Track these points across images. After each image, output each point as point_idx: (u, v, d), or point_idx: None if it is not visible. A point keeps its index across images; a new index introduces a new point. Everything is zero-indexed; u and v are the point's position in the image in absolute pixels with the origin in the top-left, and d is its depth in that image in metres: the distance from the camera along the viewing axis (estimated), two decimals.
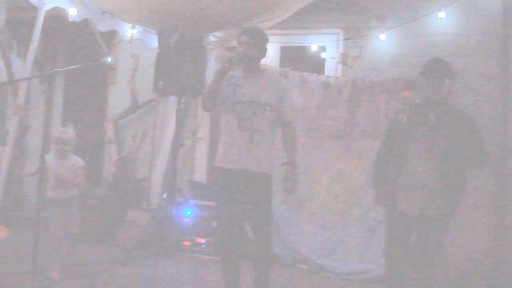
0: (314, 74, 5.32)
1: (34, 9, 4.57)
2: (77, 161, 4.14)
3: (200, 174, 5.79)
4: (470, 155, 3.16)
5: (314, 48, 5.68)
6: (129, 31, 5.16)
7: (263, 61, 3.54)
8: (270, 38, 5.21)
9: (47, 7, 4.49)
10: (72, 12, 4.56)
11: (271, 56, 5.72)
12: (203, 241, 5.05)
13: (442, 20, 4.90)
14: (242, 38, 3.39)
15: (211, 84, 3.37)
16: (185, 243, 5.09)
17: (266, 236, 3.40)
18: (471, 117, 3.28)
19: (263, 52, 3.45)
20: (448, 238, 3.42)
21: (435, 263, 3.21)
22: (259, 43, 3.41)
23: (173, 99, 5.73)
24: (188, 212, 5.09)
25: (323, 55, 5.73)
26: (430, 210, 3.16)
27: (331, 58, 5.63)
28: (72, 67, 4.18)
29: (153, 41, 5.23)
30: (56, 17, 4.75)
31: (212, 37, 5.38)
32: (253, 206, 3.33)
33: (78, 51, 6.66)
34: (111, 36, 6.05)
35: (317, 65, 5.71)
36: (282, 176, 3.38)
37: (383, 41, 5.21)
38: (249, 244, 3.50)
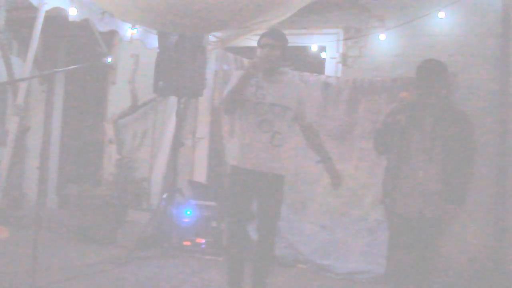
0: (314, 74, 5.32)
1: (34, 9, 4.57)
2: None
3: (200, 174, 5.78)
4: (461, 153, 3.15)
5: (314, 48, 5.68)
6: (129, 31, 5.16)
7: None
8: None
9: (47, 7, 4.50)
10: (72, 12, 4.56)
11: None
12: (203, 241, 5.05)
13: (442, 20, 4.90)
14: (264, 40, 3.38)
15: (235, 88, 3.29)
16: (185, 243, 5.09)
17: (272, 237, 3.45)
18: (467, 116, 3.26)
19: (285, 54, 3.44)
20: (448, 238, 3.42)
21: (434, 264, 3.21)
22: (282, 44, 3.40)
23: (173, 99, 5.73)
24: (188, 212, 5.09)
25: (323, 55, 5.73)
26: (429, 212, 3.15)
27: (331, 58, 5.62)
28: (72, 67, 4.17)
29: (153, 41, 5.23)
30: (56, 17, 4.75)
31: (212, 37, 5.38)
32: (266, 206, 3.40)
33: (78, 51, 6.66)
34: (111, 36, 6.05)
35: (317, 65, 5.70)
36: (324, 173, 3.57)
37: (383, 41, 5.20)
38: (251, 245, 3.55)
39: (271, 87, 3.38)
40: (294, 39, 5.71)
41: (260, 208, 3.41)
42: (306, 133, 3.55)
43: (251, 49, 5.91)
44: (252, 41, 5.75)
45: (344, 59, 5.48)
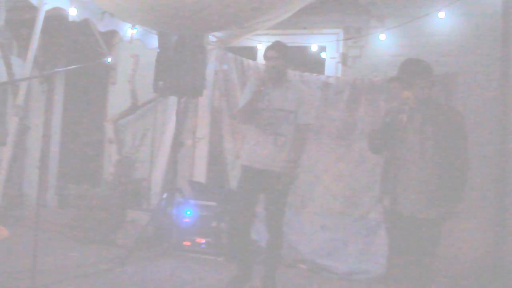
0: (314, 74, 5.32)
1: (34, 9, 4.57)
2: None
3: (200, 174, 5.78)
4: (453, 150, 3.10)
5: (314, 48, 5.68)
6: (129, 31, 5.16)
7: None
8: (270, 38, 5.24)
9: (47, 7, 4.50)
10: (72, 12, 4.57)
11: None
12: (203, 241, 5.05)
13: (442, 20, 4.90)
14: (269, 53, 3.78)
15: (248, 103, 3.70)
16: (185, 243, 5.09)
17: (280, 232, 3.83)
18: (457, 111, 3.26)
19: (289, 63, 3.88)
20: (448, 238, 3.41)
21: (431, 264, 3.20)
22: (285, 56, 3.79)
23: (173, 99, 5.73)
24: (188, 212, 5.09)
25: (323, 55, 5.73)
26: (425, 212, 3.12)
27: (331, 58, 5.63)
28: (72, 67, 4.18)
29: (153, 41, 5.23)
30: (56, 17, 4.76)
31: (212, 37, 5.38)
32: (273, 202, 3.78)
33: (78, 51, 6.66)
34: (111, 36, 6.04)
35: (317, 65, 5.70)
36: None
37: (383, 41, 5.21)
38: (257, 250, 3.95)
39: (277, 93, 3.76)
40: (294, 39, 5.74)
41: (268, 204, 3.79)
42: (295, 132, 3.79)
43: (251, 49, 5.92)
44: (252, 41, 5.76)
45: (344, 59, 5.49)
